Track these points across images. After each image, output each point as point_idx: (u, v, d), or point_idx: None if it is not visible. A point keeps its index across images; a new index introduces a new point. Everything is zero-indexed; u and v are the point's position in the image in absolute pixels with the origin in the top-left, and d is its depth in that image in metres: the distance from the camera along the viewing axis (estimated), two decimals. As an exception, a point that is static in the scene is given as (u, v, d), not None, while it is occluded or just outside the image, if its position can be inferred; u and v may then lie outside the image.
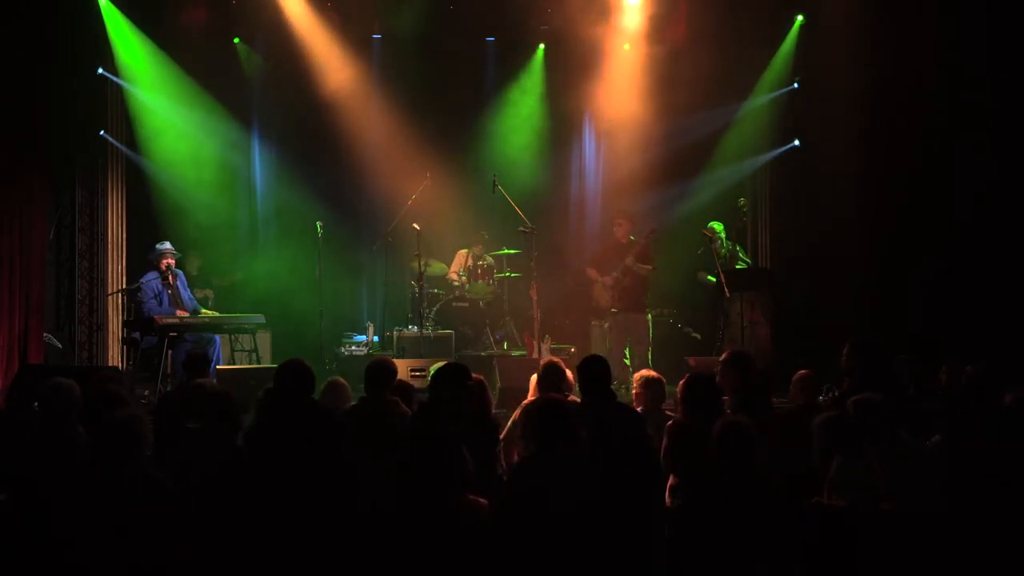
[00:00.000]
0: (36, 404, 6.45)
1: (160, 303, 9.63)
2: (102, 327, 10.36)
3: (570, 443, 4.66)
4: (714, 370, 6.24)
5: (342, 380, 6.22)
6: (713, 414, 5.30)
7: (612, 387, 5.71)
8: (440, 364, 6.36)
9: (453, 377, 5.23)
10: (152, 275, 9.74)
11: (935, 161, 10.10)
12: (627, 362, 9.91)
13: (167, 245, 9.87)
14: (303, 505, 4.70)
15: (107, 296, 10.39)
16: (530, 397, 6.48)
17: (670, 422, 5.60)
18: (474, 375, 5.89)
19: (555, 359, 6.38)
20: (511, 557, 4.45)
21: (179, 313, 9.60)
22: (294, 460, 4.82)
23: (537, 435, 4.70)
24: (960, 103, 9.86)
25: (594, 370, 5.43)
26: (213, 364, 9.09)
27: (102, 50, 10.41)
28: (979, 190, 9.81)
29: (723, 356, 6.26)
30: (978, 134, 9.80)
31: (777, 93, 11.40)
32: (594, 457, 4.85)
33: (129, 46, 10.60)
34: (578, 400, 6.26)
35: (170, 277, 9.75)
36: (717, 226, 10.58)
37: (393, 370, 5.96)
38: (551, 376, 6.06)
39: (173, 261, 9.84)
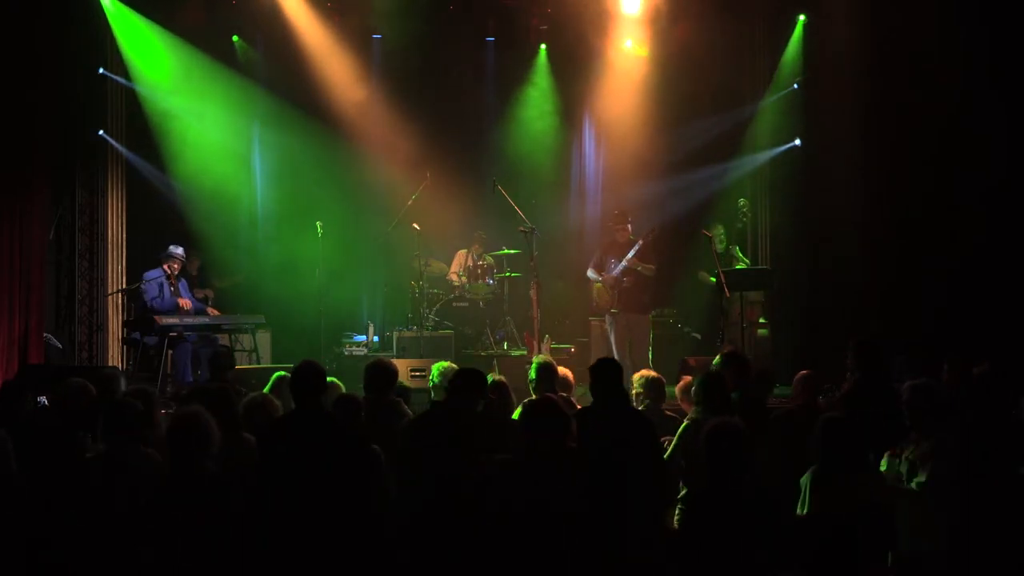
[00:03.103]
0: (39, 403, 6.47)
1: (163, 297, 9.63)
2: (102, 327, 10.36)
3: (558, 447, 4.64)
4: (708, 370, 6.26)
5: (335, 380, 6.18)
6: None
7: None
8: (445, 366, 6.36)
9: (474, 385, 5.15)
10: (156, 272, 9.76)
11: (937, 160, 10.09)
12: (627, 362, 9.90)
13: (179, 250, 9.87)
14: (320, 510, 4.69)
15: (107, 296, 10.39)
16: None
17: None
18: (495, 376, 5.92)
19: (548, 358, 6.37)
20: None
21: (181, 302, 9.61)
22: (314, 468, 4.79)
23: (526, 435, 4.69)
24: (963, 102, 9.85)
25: (606, 373, 5.35)
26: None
27: (102, 50, 10.41)
28: (982, 189, 9.82)
29: (717, 358, 6.27)
30: (982, 132, 9.79)
31: (779, 94, 11.39)
32: (601, 461, 4.85)
33: (133, 43, 10.58)
34: (574, 401, 6.31)
35: (171, 277, 9.77)
36: (718, 227, 10.61)
37: (395, 372, 5.97)
38: (546, 377, 6.08)
39: (178, 267, 9.85)
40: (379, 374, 5.86)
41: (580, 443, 5.01)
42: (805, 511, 4.59)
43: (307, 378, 4.95)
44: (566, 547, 4.49)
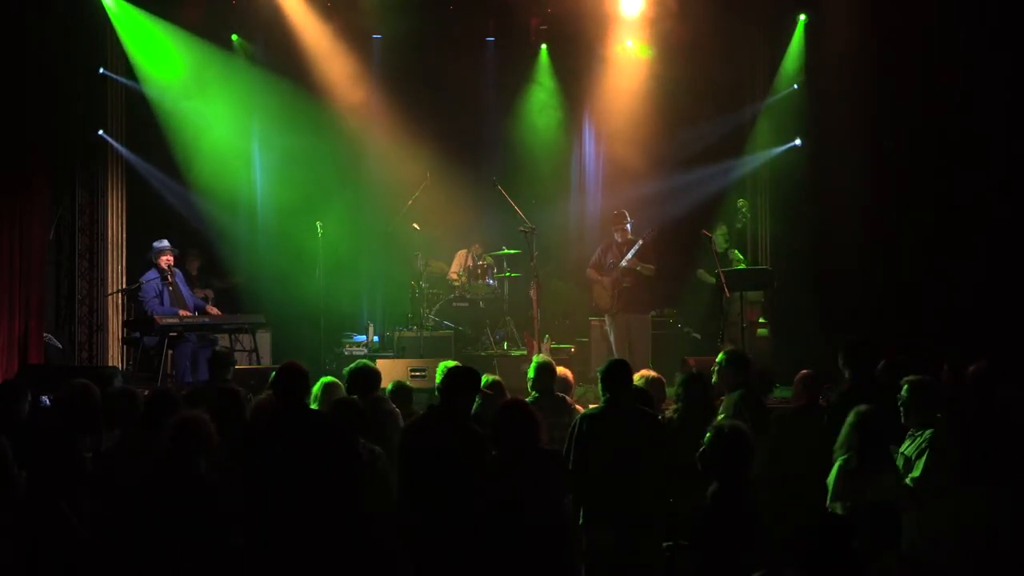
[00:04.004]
0: (40, 403, 6.47)
1: (161, 302, 9.62)
2: (102, 327, 10.36)
3: (532, 449, 4.64)
4: (710, 370, 6.27)
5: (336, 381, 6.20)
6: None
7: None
8: (451, 365, 6.36)
9: (467, 384, 5.13)
10: (152, 274, 9.73)
11: (937, 160, 10.09)
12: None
13: (165, 243, 9.85)
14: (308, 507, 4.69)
15: (107, 296, 10.38)
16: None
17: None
18: (492, 376, 5.93)
19: (547, 358, 6.39)
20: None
21: (181, 313, 9.59)
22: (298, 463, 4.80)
23: (501, 439, 4.69)
24: (963, 102, 9.85)
25: (616, 374, 5.38)
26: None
27: (102, 49, 10.41)
28: (982, 189, 9.82)
29: (719, 357, 6.28)
30: (982, 132, 9.79)
31: (780, 94, 11.39)
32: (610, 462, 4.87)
33: (135, 40, 10.56)
34: (571, 400, 6.31)
35: (169, 276, 9.75)
36: (722, 227, 10.62)
37: (379, 375, 6.03)
38: (544, 376, 6.09)
39: (172, 258, 9.83)
40: (363, 377, 5.91)
41: (587, 445, 5.06)
42: (833, 503, 4.66)
43: (292, 378, 5.01)
44: (554, 548, 4.51)
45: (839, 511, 4.60)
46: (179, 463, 4.37)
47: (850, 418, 4.79)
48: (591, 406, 5.78)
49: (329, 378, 6.08)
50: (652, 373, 6.44)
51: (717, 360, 6.25)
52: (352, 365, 6.12)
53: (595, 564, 5.01)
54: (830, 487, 4.72)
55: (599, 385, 5.42)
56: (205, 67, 11.01)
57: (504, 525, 4.47)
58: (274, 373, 5.19)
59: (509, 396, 6.12)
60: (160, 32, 10.69)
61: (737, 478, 4.32)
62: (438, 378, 6.30)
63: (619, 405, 5.29)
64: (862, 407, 4.87)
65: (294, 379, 5.01)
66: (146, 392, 5.85)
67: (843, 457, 4.73)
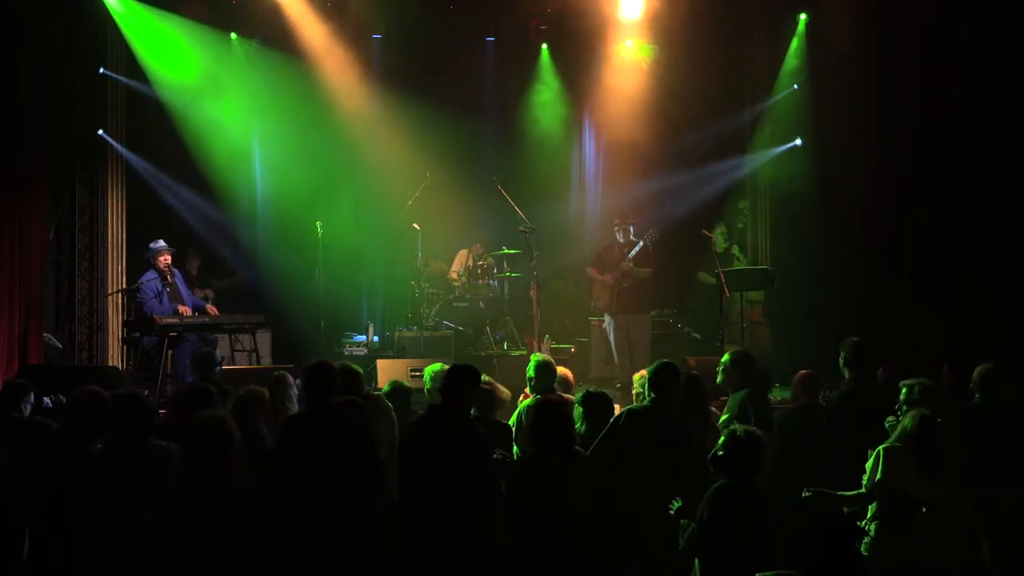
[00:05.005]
0: (43, 404, 6.46)
1: (161, 302, 9.62)
2: (102, 327, 10.36)
3: (567, 445, 4.67)
4: (715, 370, 6.27)
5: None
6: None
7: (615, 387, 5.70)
8: (437, 368, 6.35)
9: (467, 382, 5.12)
10: (151, 275, 9.72)
11: (937, 160, 10.09)
12: (627, 362, 9.89)
13: (161, 243, 9.84)
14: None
15: (107, 296, 10.38)
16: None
17: None
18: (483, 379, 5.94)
19: (546, 356, 6.39)
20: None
21: (182, 309, 9.59)
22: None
23: (535, 437, 4.71)
24: (963, 102, 9.84)
25: (665, 376, 5.40)
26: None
27: (103, 49, 10.41)
28: (982, 189, 9.82)
29: (724, 357, 6.29)
30: (982, 132, 9.79)
31: (781, 94, 11.39)
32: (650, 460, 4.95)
33: (135, 37, 10.55)
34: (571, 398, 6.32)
35: (168, 276, 9.74)
36: (721, 226, 10.62)
37: (361, 374, 6.04)
38: (544, 375, 6.09)
39: (169, 258, 9.82)
40: (347, 376, 5.88)
41: (626, 439, 5.11)
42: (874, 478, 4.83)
43: (324, 377, 5.11)
44: (583, 544, 4.53)
45: (865, 490, 4.80)
46: (198, 466, 4.39)
47: (913, 418, 4.92)
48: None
49: (437, 365, 6.23)
50: (652, 374, 6.44)
51: (722, 360, 6.25)
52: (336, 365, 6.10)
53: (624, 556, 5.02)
54: (880, 464, 4.83)
55: (647, 384, 5.43)
56: (207, 66, 11.00)
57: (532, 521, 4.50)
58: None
59: (499, 395, 6.15)
60: (165, 30, 10.68)
61: (748, 481, 4.33)
62: (427, 383, 6.31)
63: (665, 406, 5.31)
64: (925, 410, 4.92)
65: (329, 377, 5.11)
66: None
67: (895, 444, 4.86)
